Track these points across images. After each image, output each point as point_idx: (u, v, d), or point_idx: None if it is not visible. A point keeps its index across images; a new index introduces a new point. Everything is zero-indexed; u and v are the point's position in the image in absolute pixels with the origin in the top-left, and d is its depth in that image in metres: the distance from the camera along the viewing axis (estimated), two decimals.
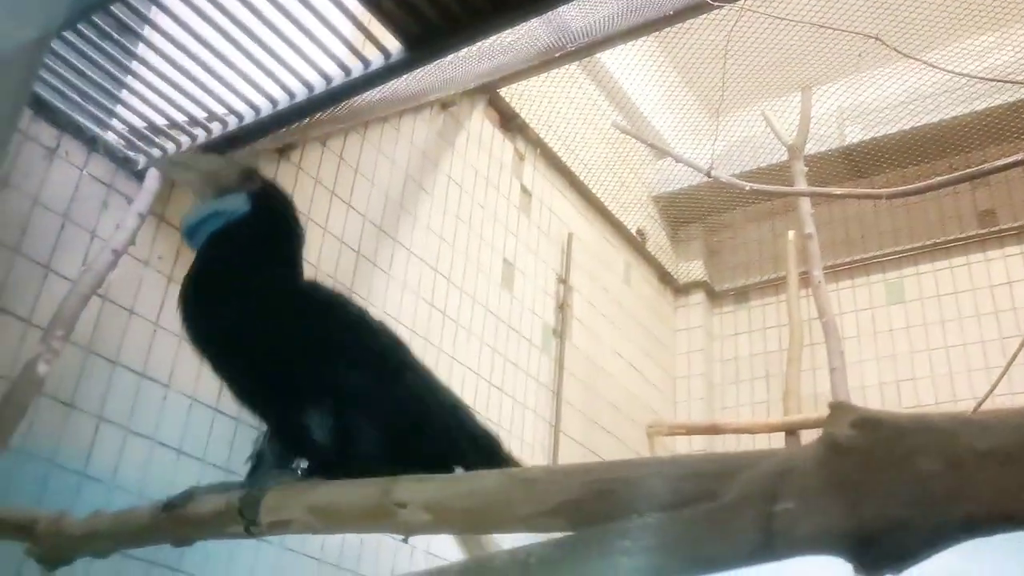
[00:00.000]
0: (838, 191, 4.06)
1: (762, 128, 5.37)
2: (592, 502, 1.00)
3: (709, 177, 4.12)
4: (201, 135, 3.27)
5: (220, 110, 3.23)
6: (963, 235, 5.95)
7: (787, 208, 6.69)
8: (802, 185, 4.81)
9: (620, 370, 5.82)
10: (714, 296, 6.74)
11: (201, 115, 3.20)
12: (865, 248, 6.30)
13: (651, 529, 0.90)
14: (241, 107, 3.15)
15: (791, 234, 6.07)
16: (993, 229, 5.87)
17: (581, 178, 5.78)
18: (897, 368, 5.86)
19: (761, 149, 5.67)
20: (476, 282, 4.78)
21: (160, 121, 3.23)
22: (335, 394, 1.75)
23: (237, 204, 1.86)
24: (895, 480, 0.86)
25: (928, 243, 6.03)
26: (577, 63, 5.63)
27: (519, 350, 4.98)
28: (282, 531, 1.44)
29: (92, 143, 3.15)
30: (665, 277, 6.60)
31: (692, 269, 6.76)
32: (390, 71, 2.74)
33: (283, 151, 3.85)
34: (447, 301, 4.56)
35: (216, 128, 3.27)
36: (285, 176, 3.85)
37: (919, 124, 5.64)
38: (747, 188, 4.05)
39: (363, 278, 4.11)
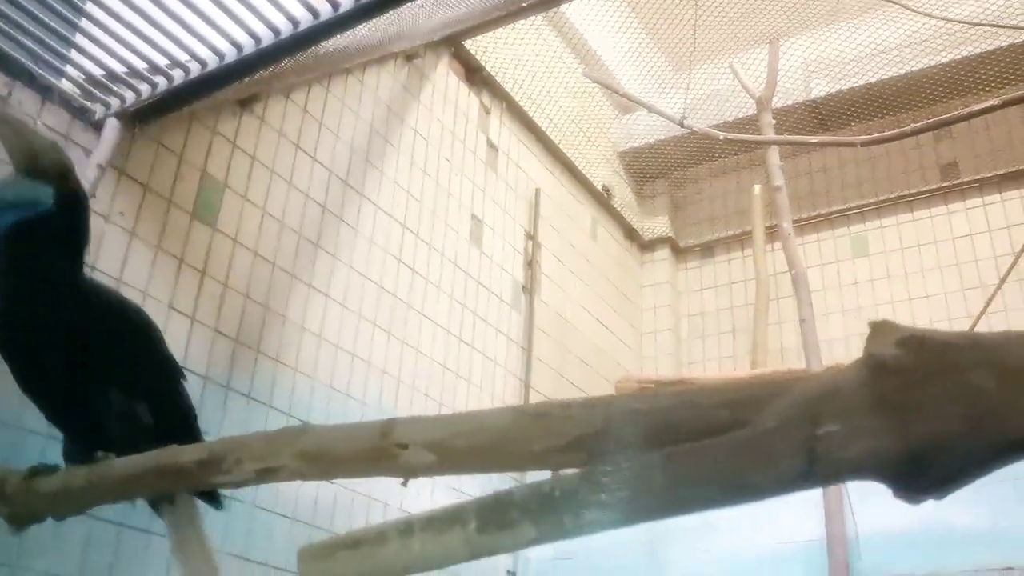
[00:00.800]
0: (813, 139, 4.04)
1: (729, 81, 5.34)
2: (615, 433, 0.95)
3: (682, 127, 4.07)
4: (162, 83, 3.13)
5: (182, 56, 3.09)
6: (926, 188, 5.98)
7: (752, 163, 6.71)
8: (770, 133, 4.78)
9: (588, 326, 5.80)
10: (679, 251, 6.74)
11: (162, 62, 3.07)
12: (830, 202, 6.32)
13: (686, 458, 0.86)
14: (204, 53, 3.02)
15: (756, 188, 6.08)
16: (955, 182, 5.90)
17: (548, 133, 5.69)
18: (863, 321, 5.89)
19: (728, 103, 5.63)
20: (444, 238, 4.71)
21: (118, 68, 3.09)
22: (117, 383, 1.98)
23: (44, 199, 1.93)
24: (943, 398, 0.82)
25: (892, 196, 6.06)
26: (542, 15, 5.56)
27: (488, 306, 4.93)
28: (272, 479, 1.37)
29: (46, 92, 3.01)
30: (631, 233, 6.57)
31: (657, 225, 6.74)
32: (360, 13, 2.63)
33: (245, 103, 3.73)
34: (416, 257, 4.48)
35: (178, 76, 3.13)
36: (248, 129, 3.73)
37: (884, 77, 5.64)
38: (721, 138, 4.01)
39: (329, 233, 4.02)
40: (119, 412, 1.95)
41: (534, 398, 5.04)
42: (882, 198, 6.07)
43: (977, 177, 5.84)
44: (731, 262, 6.59)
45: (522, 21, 5.13)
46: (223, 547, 3.19)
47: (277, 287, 3.71)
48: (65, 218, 1.99)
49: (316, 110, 4.08)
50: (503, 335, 4.99)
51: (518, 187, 5.44)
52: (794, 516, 4.23)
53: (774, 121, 4.93)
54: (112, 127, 3.09)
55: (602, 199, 6.23)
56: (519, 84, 5.46)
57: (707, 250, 6.69)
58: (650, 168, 6.71)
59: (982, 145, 5.93)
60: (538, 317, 5.25)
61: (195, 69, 3.14)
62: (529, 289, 5.25)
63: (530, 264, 5.32)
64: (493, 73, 5.27)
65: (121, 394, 1.97)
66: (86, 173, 2.97)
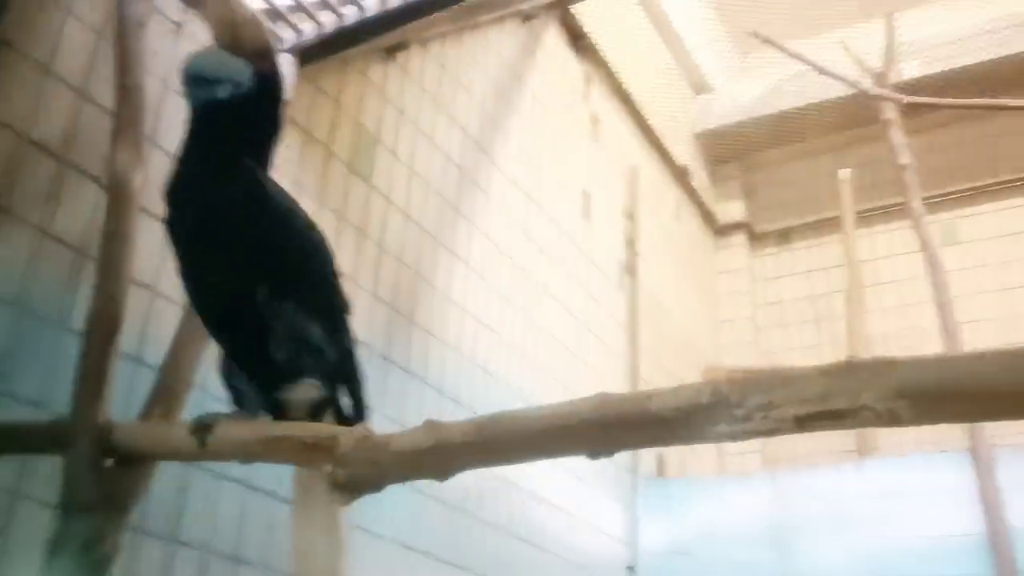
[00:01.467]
0: (1013, 103, 3.78)
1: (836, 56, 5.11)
2: None
3: (859, 89, 3.83)
4: (331, 19, 2.83)
5: None
6: (1017, 176, 5.81)
7: (830, 148, 6.49)
8: (891, 113, 4.56)
9: (677, 311, 5.55)
10: (755, 237, 6.51)
11: None
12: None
13: None
14: None
15: (844, 172, 5.87)
16: None
17: (640, 109, 5.43)
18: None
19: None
20: (561, 211, 4.42)
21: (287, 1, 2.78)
22: (291, 298, 1.67)
23: (244, 77, 1.67)
24: None
25: (982, 184, 5.88)
26: None
27: (599, 285, 4.65)
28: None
29: None
30: (708, 217, 6.33)
31: (732, 210, 6.51)
32: None
33: (392, 50, 3.42)
34: (537, 229, 4.20)
35: (350, 13, 2.83)
36: (394, 80, 3.42)
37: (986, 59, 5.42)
38: (904, 101, 3.78)
39: (466, 197, 3.72)
40: (295, 332, 1.65)
41: (640, 386, 4.78)
42: (971, 185, 5.88)
43: None
44: (810, 249, 6.37)
45: None
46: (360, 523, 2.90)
47: (425, 252, 3.41)
48: (261, 102, 1.73)
49: (451, 64, 3.79)
50: (611, 316, 4.72)
51: (617, 162, 5.17)
52: (944, 510, 4.02)
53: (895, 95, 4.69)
54: (286, 62, 2.76)
55: (684, 180, 5.98)
56: (616, 55, 5.19)
57: (784, 236, 6.46)
58: (726, 150, 6.48)
59: None
60: (639, 300, 4.99)
61: (369, 5, 2.85)
62: (631, 270, 4.98)
63: (630, 244, 5.05)
64: (594, 42, 4.99)
65: (299, 311, 1.67)
66: None
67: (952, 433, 4.54)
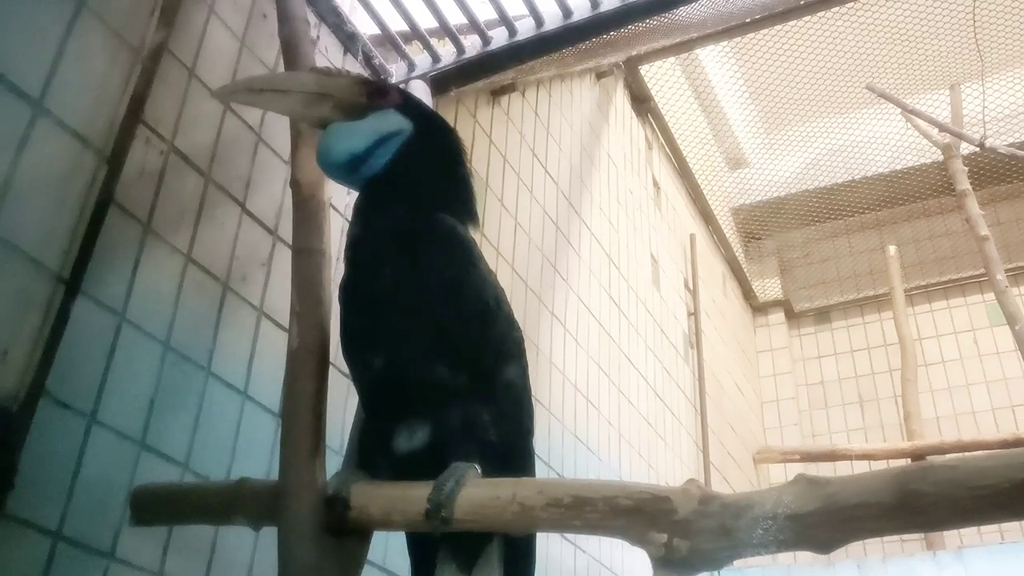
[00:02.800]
0: None
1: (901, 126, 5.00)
2: None
3: (981, 149, 3.66)
4: (472, 46, 2.57)
5: (500, 16, 2.55)
6: None
7: (863, 226, 6.38)
8: (964, 184, 4.42)
9: (730, 388, 5.28)
10: (792, 316, 6.30)
11: (481, 18, 2.51)
12: (959, 268, 5.99)
13: None
14: (525, 16, 2.48)
15: (892, 249, 5.73)
16: None
17: (696, 177, 5.25)
18: (1010, 394, 5.52)
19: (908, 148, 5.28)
20: (636, 276, 4.16)
21: (428, 25, 2.52)
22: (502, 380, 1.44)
23: (397, 124, 1.49)
24: None
25: None
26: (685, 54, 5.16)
27: (668, 356, 4.37)
28: None
29: (350, 41, 2.41)
30: (748, 293, 6.12)
31: (769, 287, 6.31)
32: None
33: (497, 93, 3.17)
34: (619, 293, 3.92)
35: (498, 36, 2.58)
36: (498, 123, 3.17)
37: None
38: None
39: (561, 254, 3.45)
40: (471, 419, 1.38)
41: (710, 468, 4.47)
42: (1020, 264, 5.75)
43: None
44: (849, 328, 6.17)
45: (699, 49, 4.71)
46: None
47: (530, 311, 3.10)
48: (435, 135, 1.55)
49: (543, 113, 3.55)
50: (681, 390, 4.43)
51: (677, 230, 4.95)
52: None
53: (965, 168, 4.58)
54: (419, 90, 2.49)
55: (730, 253, 5.79)
56: (672, 122, 5.03)
57: (823, 315, 6.27)
58: (760, 227, 6.32)
59: None
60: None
61: (500, 38, 2.60)
62: (696, 343, 4.71)
63: (692, 315, 4.80)
64: (655, 106, 4.82)
65: (479, 394, 1.40)
66: None
67: None
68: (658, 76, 4.80)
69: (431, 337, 1.37)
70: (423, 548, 1.43)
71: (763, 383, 6.02)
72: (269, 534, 1.49)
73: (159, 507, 1.48)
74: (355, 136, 1.47)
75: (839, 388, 6.01)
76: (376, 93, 1.54)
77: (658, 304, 4.35)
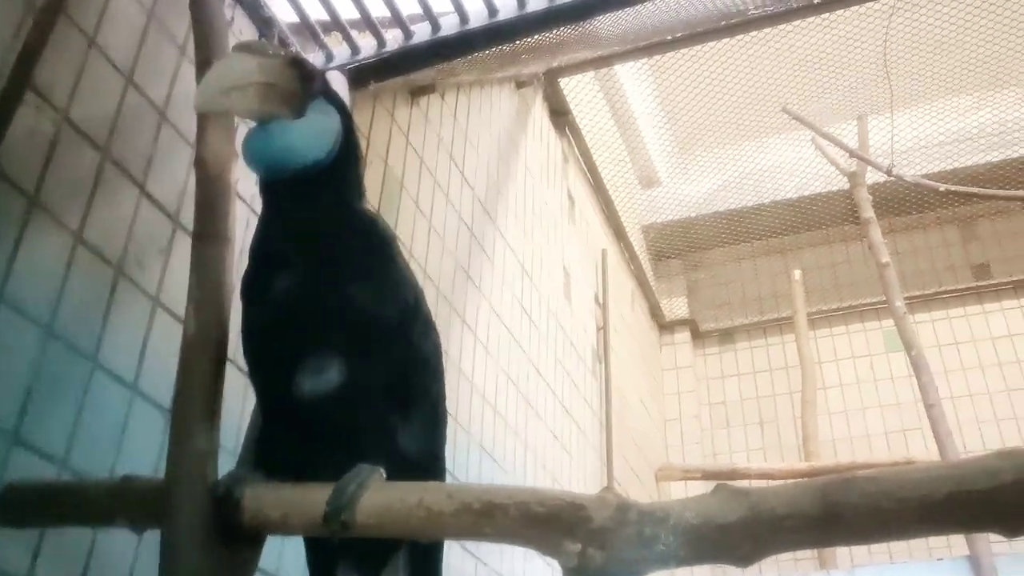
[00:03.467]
0: None
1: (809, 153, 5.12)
2: None
3: (890, 176, 3.74)
4: (394, 39, 2.50)
5: (414, 10, 2.49)
6: (961, 287, 5.93)
7: (768, 250, 6.51)
8: (868, 212, 4.54)
9: (635, 405, 5.29)
10: (698, 335, 6.37)
11: (407, 11, 2.44)
12: (856, 295, 6.16)
13: None
14: (465, 7, 2.43)
15: (797, 273, 5.86)
16: (990, 282, 5.88)
17: (610, 193, 5.27)
18: (902, 418, 5.68)
19: (815, 176, 5.40)
20: (548, 287, 4.13)
21: (349, 15, 2.44)
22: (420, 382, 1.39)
23: (330, 116, 1.39)
24: None
25: (927, 293, 5.95)
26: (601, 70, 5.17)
27: (577, 370, 4.35)
28: None
29: (266, 26, 2.31)
30: (656, 311, 6.17)
31: (676, 306, 6.38)
32: None
33: (417, 93, 3.10)
34: (531, 303, 3.88)
35: (420, 31, 2.52)
36: (416, 124, 3.10)
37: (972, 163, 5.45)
38: (941, 189, 3.70)
39: (475, 261, 3.38)
40: (379, 422, 1.32)
41: (613, 483, 4.45)
42: (915, 294, 5.93)
43: (1011, 279, 5.83)
44: (753, 350, 6.28)
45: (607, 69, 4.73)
46: None
47: (441, 316, 3.02)
48: (351, 129, 1.46)
49: (462, 118, 3.49)
50: (587, 403, 4.41)
51: (589, 245, 4.95)
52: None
53: (870, 196, 4.70)
54: (336, 82, 2.40)
55: (640, 271, 5.82)
56: (592, 136, 5.03)
57: (726, 336, 6.36)
58: (669, 246, 6.39)
59: (1010, 248, 5.95)
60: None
61: (423, 32, 2.54)
62: (603, 357, 4.71)
63: (601, 330, 4.79)
64: (573, 120, 4.82)
65: (391, 397, 1.34)
66: None
67: (952, 540, 4.42)
68: (577, 90, 4.80)
69: (344, 336, 1.29)
70: (324, 556, 1.34)
71: (667, 401, 6.06)
72: (153, 539, 1.39)
73: (31, 507, 1.35)
74: (299, 135, 1.35)
75: (741, 408, 6.10)
76: (307, 78, 1.41)
77: (569, 317, 4.32)
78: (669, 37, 3.99)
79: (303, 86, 1.38)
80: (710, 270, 6.54)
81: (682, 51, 4.72)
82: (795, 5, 3.69)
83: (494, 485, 1.20)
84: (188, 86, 2.00)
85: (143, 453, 1.70)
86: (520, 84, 4.21)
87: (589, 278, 4.84)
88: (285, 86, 1.36)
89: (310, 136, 1.36)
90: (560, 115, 4.73)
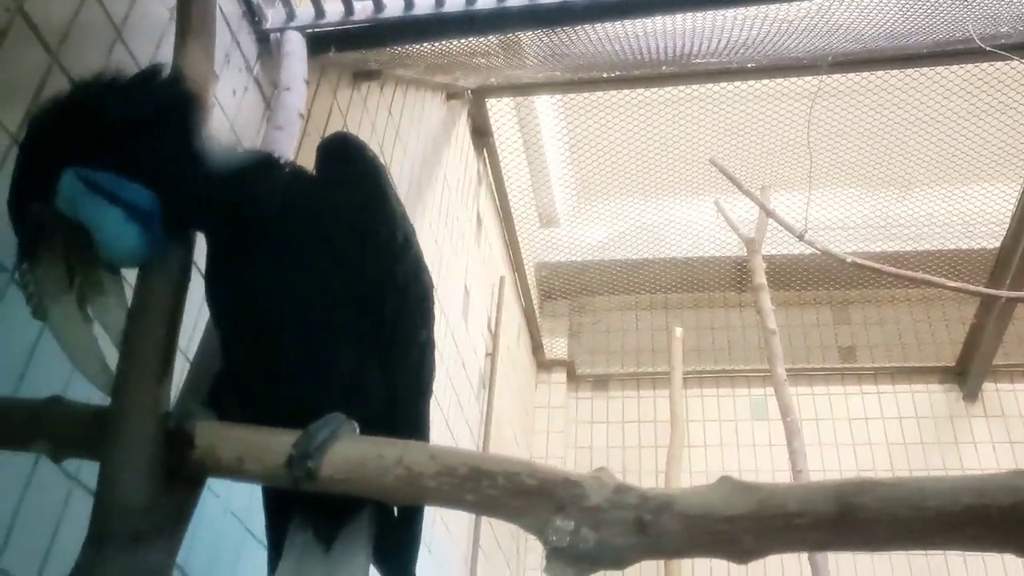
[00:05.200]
0: (950, 284, 3.88)
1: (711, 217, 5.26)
2: None
3: (801, 240, 3.84)
4: (366, 8, 2.41)
5: None
6: (827, 366, 6.18)
7: (652, 304, 6.64)
8: (761, 278, 4.70)
9: (509, 437, 5.24)
10: (573, 378, 6.40)
11: None
12: (732, 360, 6.34)
13: None
14: None
15: (678, 331, 5.97)
16: (854, 366, 6.16)
17: (513, 223, 5.26)
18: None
19: (709, 239, 5.54)
20: (450, 303, 4.06)
21: None
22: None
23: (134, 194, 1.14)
24: None
25: (795, 367, 6.16)
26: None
27: (465, 393, 4.27)
28: None
29: None
30: (537, 348, 6.17)
31: (556, 346, 6.40)
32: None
33: (360, 78, 3.01)
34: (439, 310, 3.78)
35: (362, 9, 2.43)
36: (355, 111, 3.00)
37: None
38: (848, 260, 3.82)
39: None
40: (357, 368, 1.22)
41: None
42: (787, 367, 6.14)
43: (873, 365, 6.12)
44: (625, 399, 6.34)
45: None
46: None
47: None
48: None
49: (396, 113, 3.41)
50: (468, 427, 4.33)
51: (489, 269, 4.91)
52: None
53: (764, 264, 4.86)
54: (294, 43, 2.28)
55: (529, 306, 5.81)
56: (506, 163, 5.02)
57: (601, 382, 6.41)
58: (558, 286, 6.42)
59: (875, 335, 6.27)
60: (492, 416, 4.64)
61: (395, 7, 2.47)
62: (488, 384, 4.65)
63: (489, 356, 4.74)
64: (492, 142, 4.80)
65: (373, 342, 1.24)
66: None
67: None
68: (502, 113, 4.79)
69: (324, 269, 1.19)
70: (280, 510, 1.21)
71: (536, 438, 6.04)
72: (52, 469, 1.24)
73: None
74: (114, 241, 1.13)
75: (606, 455, 6.13)
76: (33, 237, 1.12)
77: (465, 337, 4.25)
78: (600, 74, 4.04)
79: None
80: (594, 315, 6.60)
81: (598, 94, 4.80)
82: (733, 66, 3.81)
83: (481, 452, 1.12)
84: (149, 7, 1.87)
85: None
86: (450, 95, 4.16)
87: (485, 303, 4.79)
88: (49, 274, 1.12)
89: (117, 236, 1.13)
90: (482, 135, 4.69)
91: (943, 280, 3.80)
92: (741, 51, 3.70)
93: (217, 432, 1.11)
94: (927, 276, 3.80)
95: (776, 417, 5.89)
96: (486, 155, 4.82)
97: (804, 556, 4.21)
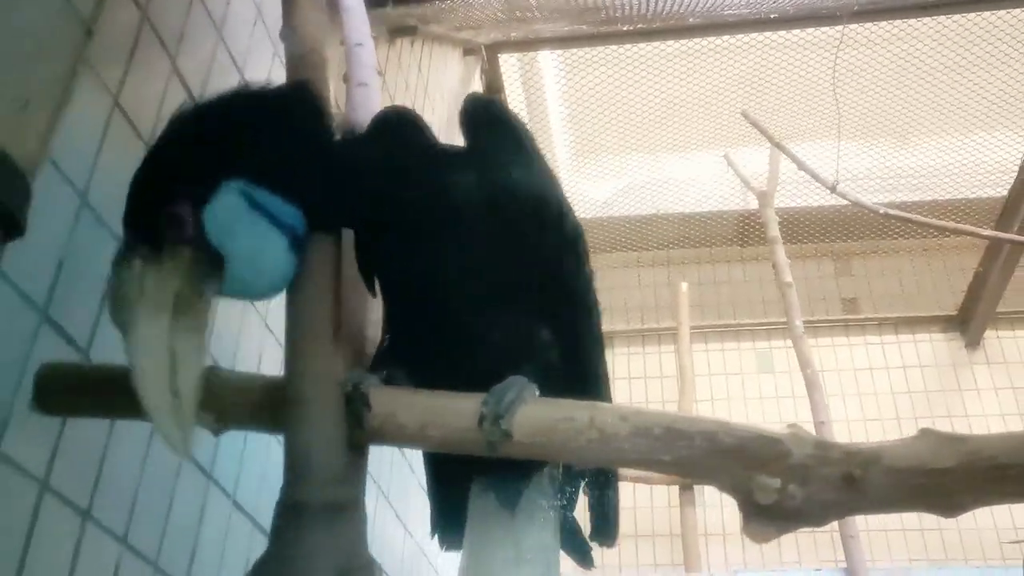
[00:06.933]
0: (984, 232, 3.89)
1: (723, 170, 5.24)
2: None
3: (833, 192, 3.83)
4: None
5: None
6: (829, 318, 6.22)
7: (654, 261, 6.63)
8: (775, 231, 4.69)
9: None
10: None
11: None
12: (736, 315, 6.36)
13: None
14: None
15: (684, 286, 5.97)
16: (857, 316, 6.20)
17: None
18: None
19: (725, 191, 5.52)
20: None
21: None
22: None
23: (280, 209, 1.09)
24: None
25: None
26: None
27: None
28: None
29: None
30: None
31: None
32: None
33: (396, 33, 2.93)
34: None
35: None
36: (390, 69, 2.92)
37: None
38: (881, 211, 3.81)
39: None
40: (536, 332, 1.20)
41: None
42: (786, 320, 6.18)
43: (876, 316, 6.17)
44: (631, 356, 6.35)
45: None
46: None
47: None
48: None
49: (425, 70, 3.33)
50: None
51: None
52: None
53: (777, 217, 4.85)
54: None
55: None
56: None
57: (606, 339, 6.35)
58: None
59: (878, 286, 6.32)
60: None
61: None
62: None
63: None
64: (507, 98, 4.73)
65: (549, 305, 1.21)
66: None
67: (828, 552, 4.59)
68: (512, 69, 4.72)
69: (494, 238, 1.14)
70: (450, 481, 1.18)
71: None
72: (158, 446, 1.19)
73: (83, 392, 1.12)
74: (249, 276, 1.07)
75: None
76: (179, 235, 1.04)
77: None
78: (612, 27, 3.98)
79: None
80: (598, 273, 6.57)
81: (598, 49, 4.73)
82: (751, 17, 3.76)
83: (673, 412, 1.09)
84: None
85: None
86: (467, 51, 4.08)
87: None
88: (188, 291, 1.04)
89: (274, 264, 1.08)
90: (494, 92, 4.62)
91: (976, 229, 3.81)
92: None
93: (394, 398, 1.07)
94: (956, 225, 3.82)
95: (783, 370, 5.97)
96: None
97: (836, 532, 4.22)
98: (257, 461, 1.80)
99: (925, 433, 1.04)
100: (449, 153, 1.19)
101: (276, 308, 1.95)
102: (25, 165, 0.94)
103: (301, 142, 1.09)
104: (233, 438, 1.60)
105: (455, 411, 1.05)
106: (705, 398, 6.13)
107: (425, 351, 1.14)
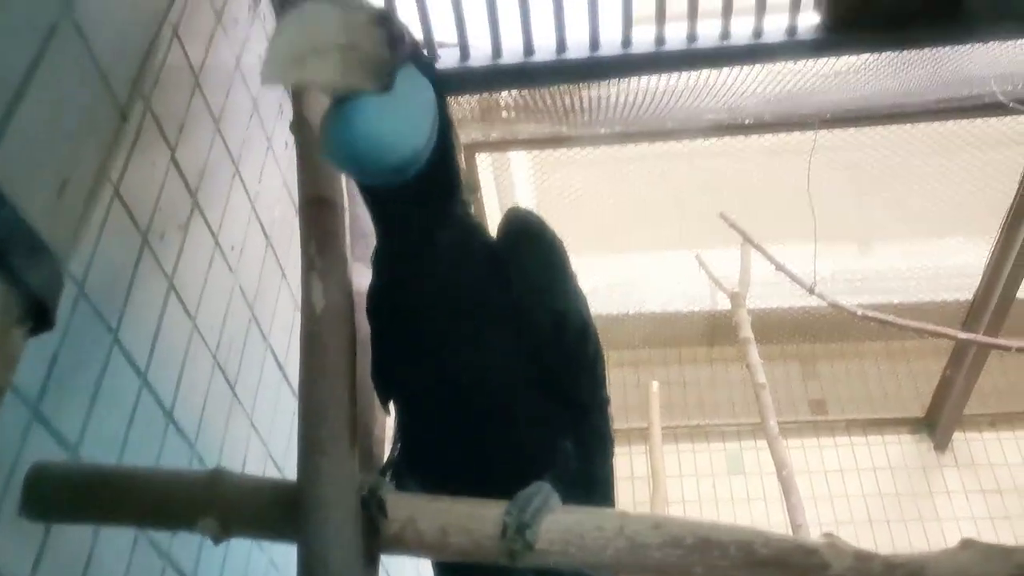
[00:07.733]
0: (963, 335, 3.93)
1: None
2: None
3: (812, 294, 3.85)
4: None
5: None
6: (799, 419, 6.22)
7: (622, 361, 6.61)
8: (747, 332, 4.71)
9: None
10: None
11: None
12: (704, 415, 6.34)
13: None
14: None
15: (655, 385, 5.94)
16: (826, 418, 6.21)
17: None
18: None
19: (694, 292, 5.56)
20: None
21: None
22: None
23: (426, 90, 1.14)
24: None
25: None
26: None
27: None
28: None
29: None
30: None
31: None
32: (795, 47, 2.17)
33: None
34: None
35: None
36: None
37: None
38: (859, 313, 3.83)
39: None
40: (556, 442, 1.18)
41: None
42: (756, 421, 6.17)
43: (844, 417, 6.19)
44: None
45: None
46: None
47: None
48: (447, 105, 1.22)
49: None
50: None
51: None
52: None
53: (749, 318, 4.87)
54: None
55: None
56: (491, 219, 4.98)
57: None
58: None
59: (844, 389, 6.35)
60: None
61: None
62: None
63: None
64: (482, 199, 4.76)
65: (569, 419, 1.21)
66: None
67: None
68: (487, 169, 4.76)
69: (518, 354, 1.11)
70: None
71: None
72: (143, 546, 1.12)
73: (76, 498, 1.05)
74: (392, 116, 1.08)
75: None
76: (396, 40, 1.12)
77: None
78: (602, 130, 4.04)
79: (392, 51, 1.10)
80: None
81: (564, 151, 4.78)
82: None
83: (706, 520, 1.04)
84: (220, 54, 1.78)
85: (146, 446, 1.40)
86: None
87: None
88: (371, 50, 1.08)
89: (406, 117, 1.09)
90: (472, 191, 4.64)
91: (952, 331, 3.85)
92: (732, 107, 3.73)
93: (412, 504, 1.02)
94: (935, 327, 3.85)
95: (753, 471, 5.93)
96: (473, 211, 4.77)
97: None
98: (238, 570, 1.71)
99: (967, 544, 1.00)
100: (485, 255, 1.17)
101: (262, 404, 1.89)
102: (60, 254, 0.89)
103: None
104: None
105: (477, 518, 1.00)
106: (676, 499, 6.04)
107: (441, 458, 1.09)
